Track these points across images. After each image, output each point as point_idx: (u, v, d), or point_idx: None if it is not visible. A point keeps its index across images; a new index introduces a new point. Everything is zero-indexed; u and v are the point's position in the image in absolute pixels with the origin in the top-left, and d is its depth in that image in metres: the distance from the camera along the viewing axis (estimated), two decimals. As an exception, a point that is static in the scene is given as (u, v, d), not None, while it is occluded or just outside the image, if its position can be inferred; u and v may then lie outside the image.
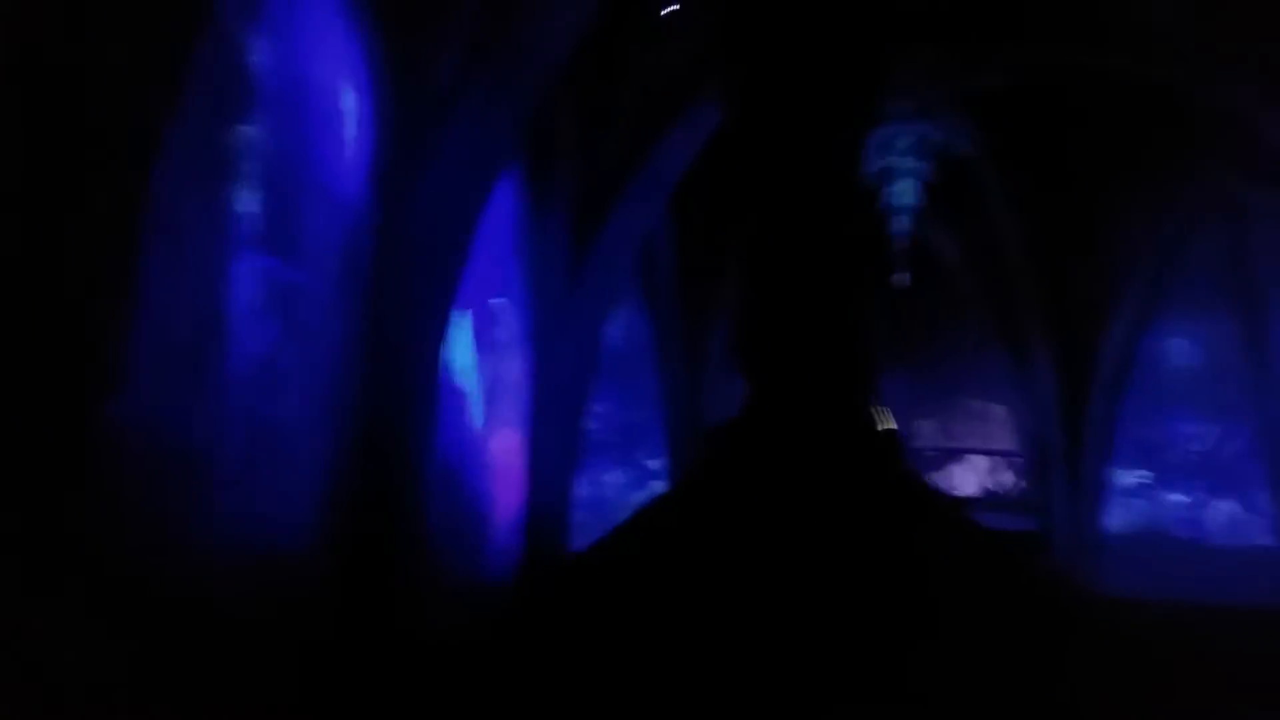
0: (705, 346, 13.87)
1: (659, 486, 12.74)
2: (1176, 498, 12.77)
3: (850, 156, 4.83)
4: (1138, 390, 13.04)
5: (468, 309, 8.36)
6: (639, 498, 11.55)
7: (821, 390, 4.63)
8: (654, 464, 13.25)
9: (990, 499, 13.49)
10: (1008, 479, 13.56)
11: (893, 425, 5.14)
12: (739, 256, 5.45)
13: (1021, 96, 11.70)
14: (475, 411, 8.77)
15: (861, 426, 4.74)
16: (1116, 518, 12.87)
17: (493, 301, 9.03)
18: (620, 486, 12.89)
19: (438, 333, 7.53)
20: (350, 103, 6.67)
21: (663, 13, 9.21)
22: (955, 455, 14.11)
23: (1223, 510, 12.51)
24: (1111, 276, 13.27)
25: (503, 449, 9.28)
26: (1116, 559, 12.66)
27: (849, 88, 4.69)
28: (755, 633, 4.03)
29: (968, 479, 13.83)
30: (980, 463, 13.71)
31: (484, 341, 8.85)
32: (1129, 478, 12.95)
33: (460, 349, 8.36)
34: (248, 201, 5.63)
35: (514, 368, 9.50)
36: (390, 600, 6.92)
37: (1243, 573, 11.93)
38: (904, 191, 12.14)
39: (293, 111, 6.05)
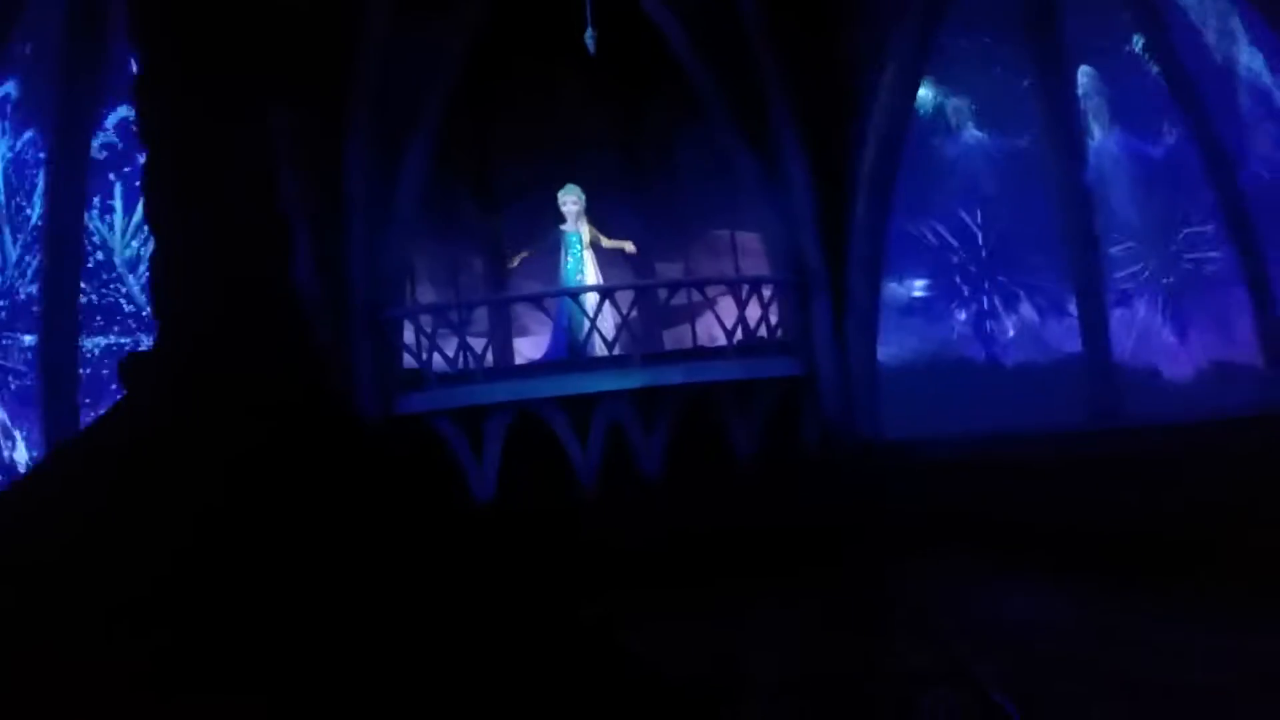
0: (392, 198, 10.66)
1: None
2: (962, 312, 9.93)
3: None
4: (907, 182, 10.13)
5: None
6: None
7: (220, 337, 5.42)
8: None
9: (744, 345, 10.45)
10: (764, 317, 10.52)
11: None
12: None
13: None
14: None
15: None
16: (892, 344, 9.99)
17: None
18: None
19: None
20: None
21: None
22: (704, 298, 11.10)
23: (1019, 319, 9.70)
24: (869, 43, 10.34)
25: None
26: (895, 394, 9.82)
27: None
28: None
29: (719, 325, 10.71)
30: (731, 303, 10.65)
31: None
32: (903, 292, 10.07)
33: None
34: None
35: None
36: None
37: (1045, 393, 9.16)
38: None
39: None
